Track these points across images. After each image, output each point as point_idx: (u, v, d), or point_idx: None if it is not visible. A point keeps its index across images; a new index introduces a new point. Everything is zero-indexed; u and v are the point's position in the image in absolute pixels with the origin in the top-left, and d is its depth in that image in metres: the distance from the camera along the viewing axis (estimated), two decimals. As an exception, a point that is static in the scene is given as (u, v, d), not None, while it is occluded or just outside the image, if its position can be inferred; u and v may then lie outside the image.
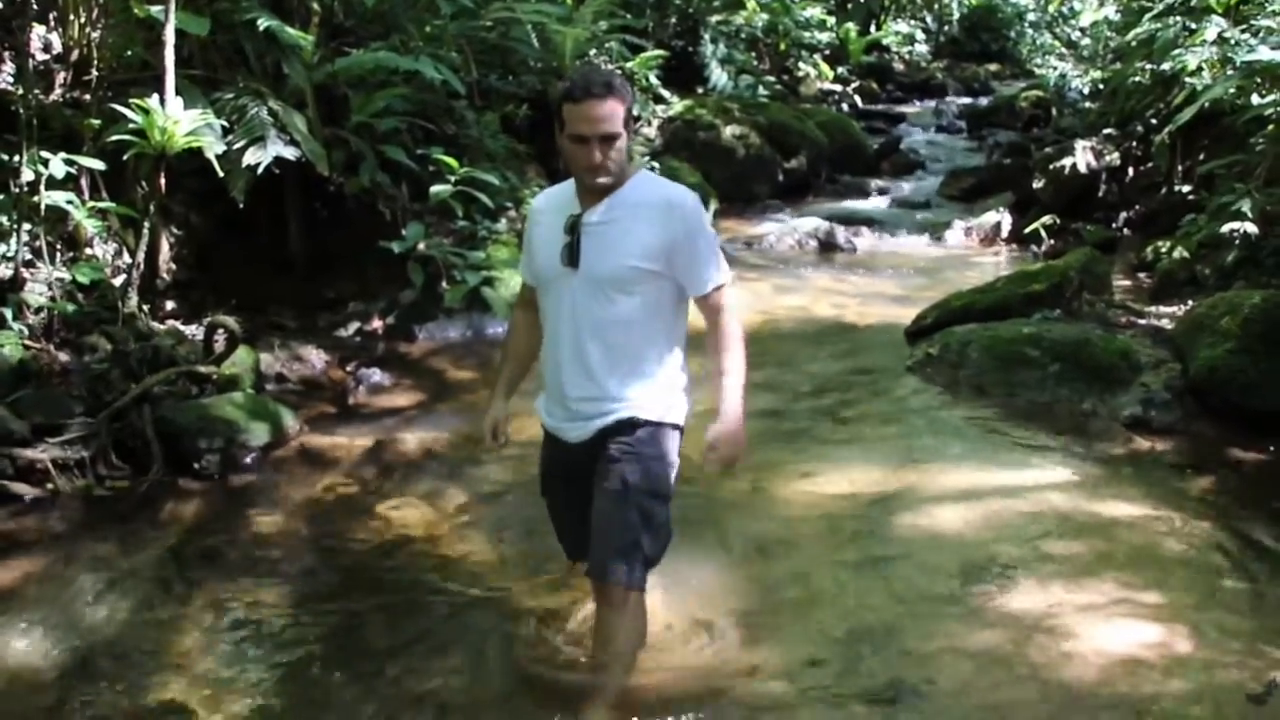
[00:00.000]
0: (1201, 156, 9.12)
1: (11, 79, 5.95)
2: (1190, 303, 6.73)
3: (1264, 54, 7.51)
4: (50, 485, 4.52)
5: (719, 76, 12.77)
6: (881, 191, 12.06)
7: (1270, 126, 7.67)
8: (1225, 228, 7.01)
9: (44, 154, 5.23)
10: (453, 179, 6.62)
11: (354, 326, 6.56)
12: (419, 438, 5.16)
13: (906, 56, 19.33)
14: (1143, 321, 6.68)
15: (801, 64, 14.89)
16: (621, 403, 2.97)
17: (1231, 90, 7.97)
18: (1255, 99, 7.96)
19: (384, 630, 3.58)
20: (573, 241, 2.93)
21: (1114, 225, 9.76)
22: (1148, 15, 10.25)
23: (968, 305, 6.74)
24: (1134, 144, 10.31)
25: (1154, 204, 9.62)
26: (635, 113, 2.98)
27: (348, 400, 5.74)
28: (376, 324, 6.60)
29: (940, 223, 10.48)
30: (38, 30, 5.99)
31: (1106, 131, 10.67)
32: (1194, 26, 9.20)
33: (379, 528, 4.32)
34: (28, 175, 5.19)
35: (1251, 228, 6.89)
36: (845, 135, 12.98)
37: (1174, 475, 4.83)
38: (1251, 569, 3.93)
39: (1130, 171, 10.35)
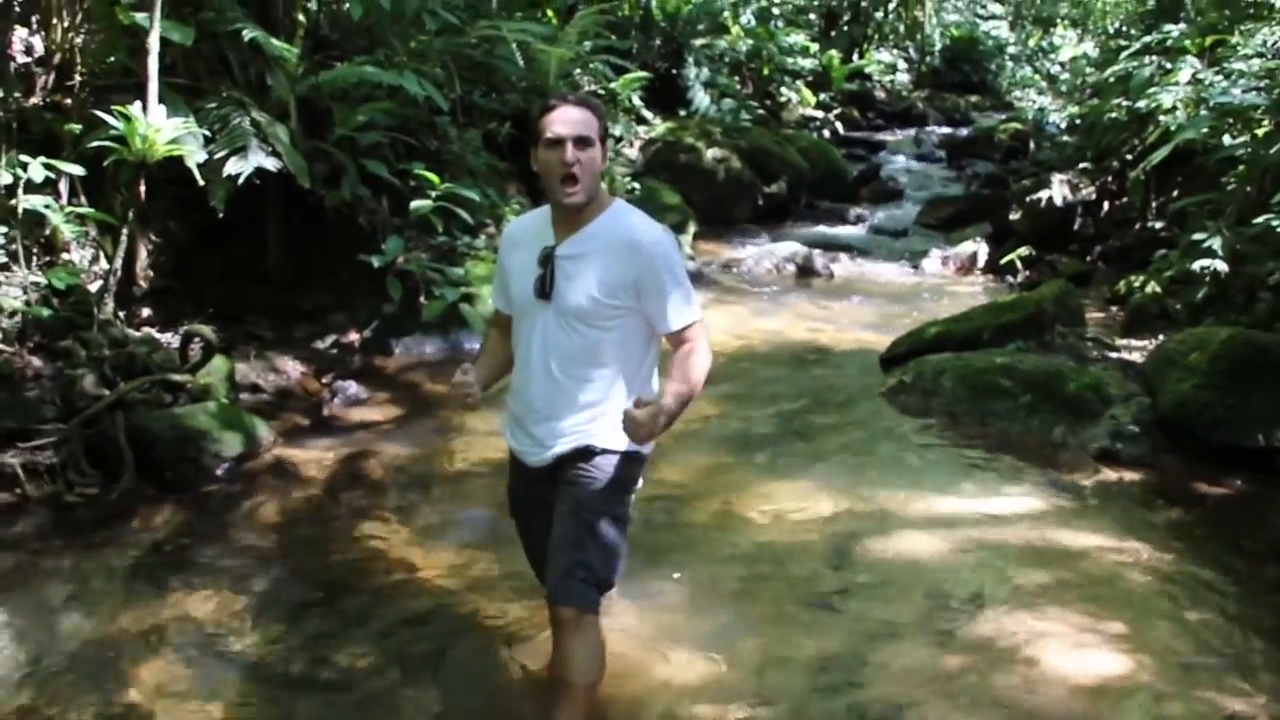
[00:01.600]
0: (1175, 193, 9.26)
1: (-7, 82, 5.92)
2: (1161, 337, 6.81)
3: (1236, 96, 7.65)
4: (20, 490, 4.50)
5: (702, 99, 12.85)
6: (860, 218, 12.14)
7: (1241, 167, 7.80)
8: (1196, 264, 7.10)
9: (23, 157, 5.23)
10: (433, 194, 6.63)
11: (331, 339, 6.55)
12: (393, 452, 5.15)
13: (888, 85, 19.48)
14: (1114, 355, 6.75)
15: (784, 89, 14.98)
16: (580, 432, 3.01)
17: (1204, 130, 8.10)
18: (1227, 139, 8.10)
19: (350, 644, 3.57)
20: (545, 274, 2.97)
21: (1088, 258, 9.87)
22: (1125, 53, 10.42)
23: (942, 334, 6.80)
24: (1109, 179, 10.45)
25: (1128, 239, 9.73)
26: (613, 132, 3.04)
27: (323, 412, 5.72)
28: (353, 337, 6.60)
29: (918, 251, 10.57)
30: (20, 33, 5.97)
31: (1083, 166, 10.81)
32: (1169, 66, 9.37)
33: (349, 542, 4.31)
34: (5, 179, 5.18)
35: (1222, 265, 6.99)
36: (826, 161, 13.06)
37: (1141, 507, 4.88)
38: (1215, 601, 3.98)
39: (1105, 206, 10.48)
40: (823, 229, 11.61)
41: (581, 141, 2.87)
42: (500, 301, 3.26)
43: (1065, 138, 12.69)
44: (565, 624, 2.97)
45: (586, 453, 3.02)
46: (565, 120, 2.87)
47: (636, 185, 9.95)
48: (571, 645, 2.97)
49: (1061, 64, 20.37)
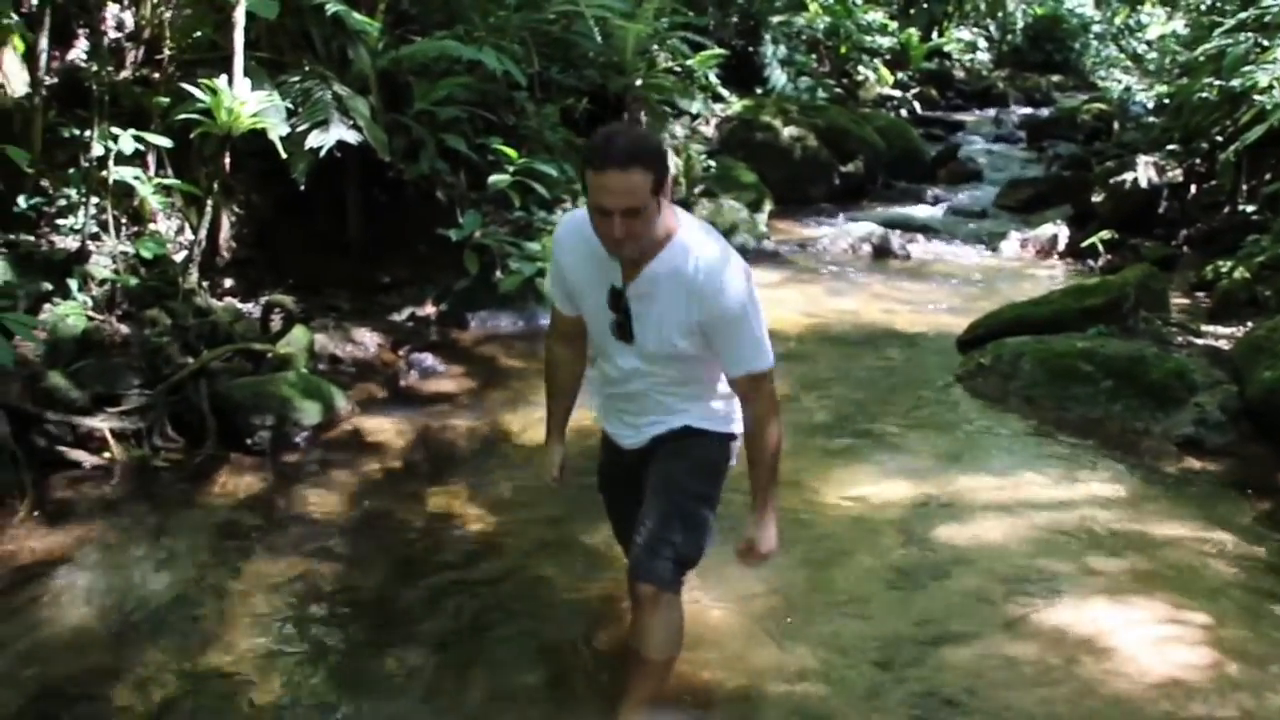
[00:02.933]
0: (1268, 176, 8.97)
1: (85, 56, 6.06)
2: (1250, 324, 6.62)
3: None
4: (108, 454, 4.62)
5: (778, 77, 12.75)
6: (937, 199, 11.97)
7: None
8: (1290, 250, 6.89)
9: (114, 130, 5.34)
10: (511, 169, 6.66)
11: (407, 311, 6.63)
12: (468, 424, 5.21)
13: (968, 64, 19.18)
14: (1200, 341, 6.58)
15: (861, 68, 14.80)
16: (677, 416, 2.98)
17: (1303, 110, 7.84)
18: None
19: (426, 613, 3.62)
20: (621, 319, 2.83)
21: (1173, 243, 9.61)
22: (1218, 30, 10.11)
23: (1021, 317, 6.68)
24: (1198, 161, 10.15)
25: (1216, 223, 9.46)
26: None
27: (399, 383, 5.79)
28: (430, 309, 6.67)
29: (996, 233, 10.38)
30: (111, 9, 6.10)
31: (1170, 147, 10.51)
32: (1265, 43, 9.05)
33: (426, 511, 4.37)
34: (97, 150, 5.30)
35: (1317, 251, 6.77)
36: (903, 141, 12.90)
37: (1226, 497, 4.76)
38: (1303, 595, 3.88)
39: (1193, 189, 10.19)
40: (899, 209, 11.44)
41: (630, 213, 2.57)
42: (563, 304, 3.08)
43: (1151, 119, 12.38)
44: (645, 600, 2.91)
45: (683, 431, 2.97)
46: (610, 190, 2.54)
47: (712, 164, 9.91)
48: (650, 621, 2.93)
49: (1148, 42, 19.80)
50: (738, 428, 3.01)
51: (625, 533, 3.24)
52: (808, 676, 3.31)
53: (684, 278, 2.71)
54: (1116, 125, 13.19)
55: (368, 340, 6.11)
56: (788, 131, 11.39)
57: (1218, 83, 9.48)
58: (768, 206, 10.20)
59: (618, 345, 2.89)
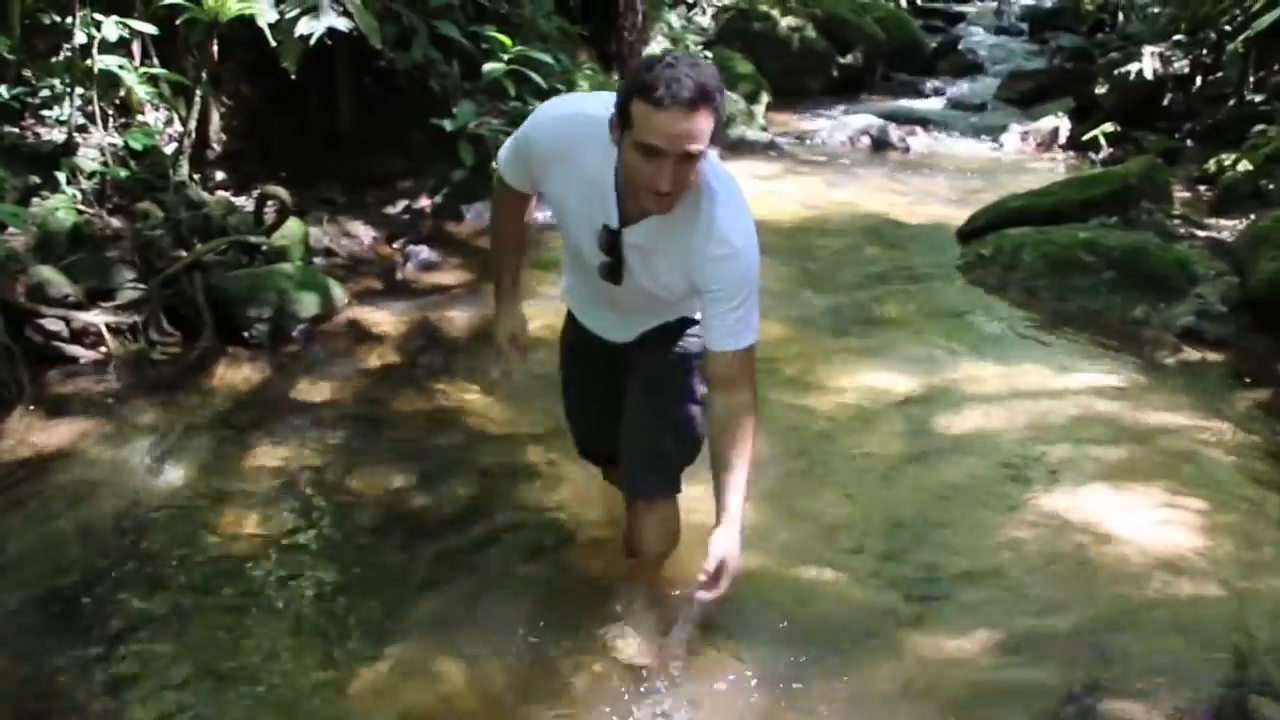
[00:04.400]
0: (1277, 67, 8.81)
1: (64, -62, 5.87)
2: (1253, 216, 6.56)
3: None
4: (104, 349, 4.58)
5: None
6: (938, 91, 11.84)
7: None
8: (1296, 140, 6.81)
9: (96, 16, 5.19)
10: (505, 58, 6.51)
11: (402, 204, 6.54)
12: (467, 315, 5.18)
13: (970, -46, 18.68)
14: (1202, 234, 6.53)
15: (861, -44, 14.43)
16: (672, 314, 2.75)
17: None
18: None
19: (429, 500, 3.63)
20: (613, 263, 2.50)
21: (1177, 136, 9.49)
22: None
23: (1023, 208, 6.62)
24: (1204, 52, 9.96)
25: (1221, 115, 9.32)
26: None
27: (395, 276, 5.74)
28: (425, 202, 6.58)
29: (997, 126, 10.25)
30: (91, -111, 5.88)
31: (1175, 38, 10.31)
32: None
33: (425, 401, 4.36)
34: (80, 38, 5.15)
35: (1324, 141, 6.69)
36: (903, 32, 12.68)
37: (1225, 387, 4.77)
38: (1299, 482, 3.90)
39: (1198, 81, 10.01)
40: (899, 102, 11.31)
41: (685, 160, 2.20)
42: (518, 180, 2.66)
43: (1156, 9, 12.12)
44: (640, 509, 2.85)
45: (678, 324, 2.75)
46: (671, 133, 2.14)
47: (709, 54, 9.71)
48: (646, 523, 2.86)
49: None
50: None
51: (584, 414, 3.09)
52: (808, 560, 3.33)
53: (693, 242, 2.37)
54: (1121, 16, 12.93)
55: (362, 233, 6.05)
56: (785, 22, 11.16)
57: (1227, -30, 9.27)
58: (765, 98, 10.04)
59: (602, 282, 2.58)
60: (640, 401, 2.79)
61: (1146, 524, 3.55)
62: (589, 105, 2.47)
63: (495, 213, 2.97)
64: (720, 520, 2.43)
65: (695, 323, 2.69)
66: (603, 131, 2.31)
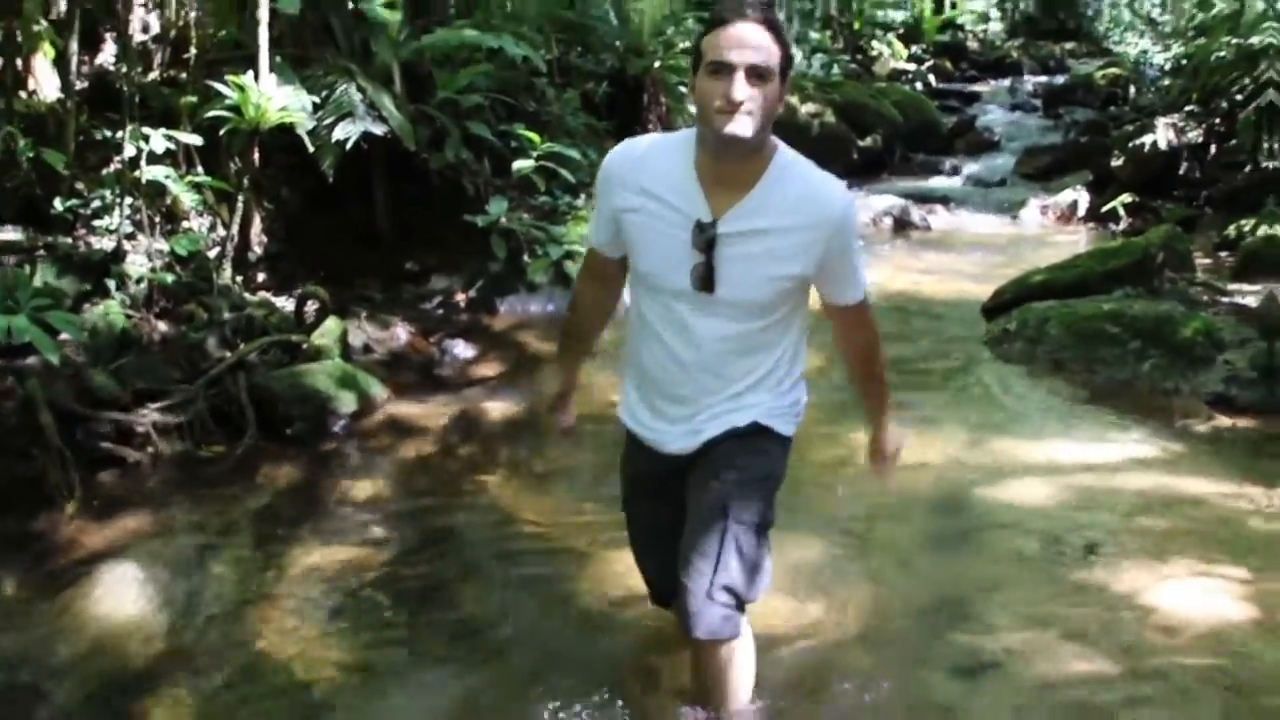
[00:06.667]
0: (1289, 133, 8.93)
1: (114, 58, 6.15)
2: (1275, 282, 6.61)
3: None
4: (151, 449, 4.69)
5: (794, 55, 12.75)
6: (956, 170, 12.02)
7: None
8: (1314, 206, 6.88)
9: (144, 130, 5.42)
10: (534, 154, 6.71)
11: (438, 299, 6.70)
12: (503, 408, 5.27)
13: (981, 35, 19.10)
14: (1226, 300, 6.58)
15: (875, 43, 14.80)
16: (744, 409, 2.53)
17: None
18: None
19: (471, 598, 3.64)
20: (708, 262, 2.35)
21: (1194, 204, 9.59)
22: (1234, -11, 10.05)
23: (1046, 282, 6.70)
24: (1217, 121, 10.11)
25: (1237, 182, 9.43)
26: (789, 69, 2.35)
27: (433, 370, 5.86)
28: (460, 296, 6.73)
29: (1016, 201, 10.40)
30: (138, 12, 6.19)
31: (1188, 108, 10.47)
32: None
33: (465, 496, 4.42)
34: (129, 151, 5.39)
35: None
36: (920, 113, 12.90)
37: (1260, 453, 4.77)
38: (1338, 546, 3.90)
39: (1213, 149, 10.15)
40: (919, 182, 11.49)
41: (756, 74, 2.19)
42: (606, 244, 2.59)
43: (1167, 80, 12.31)
44: (708, 655, 2.58)
45: (746, 432, 2.52)
46: (740, 43, 2.18)
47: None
48: (722, 676, 2.60)
49: (1162, 4, 19.64)
50: (794, 427, 2.64)
51: (655, 552, 2.85)
52: (849, 637, 3.34)
53: (811, 204, 2.35)
54: (1133, 89, 13.12)
55: (400, 329, 6.19)
56: (805, 109, 11.40)
57: (1236, 41, 9.43)
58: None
59: (687, 305, 2.43)
60: (704, 521, 2.51)
61: (1188, 595, 3.53)
62: (647, 135, 2.63)
63: (576, 295, 2.90)
64: (880, 424, 2.82)
65: (769, 435, 2.56)
66: (669, 140, 2.49)
